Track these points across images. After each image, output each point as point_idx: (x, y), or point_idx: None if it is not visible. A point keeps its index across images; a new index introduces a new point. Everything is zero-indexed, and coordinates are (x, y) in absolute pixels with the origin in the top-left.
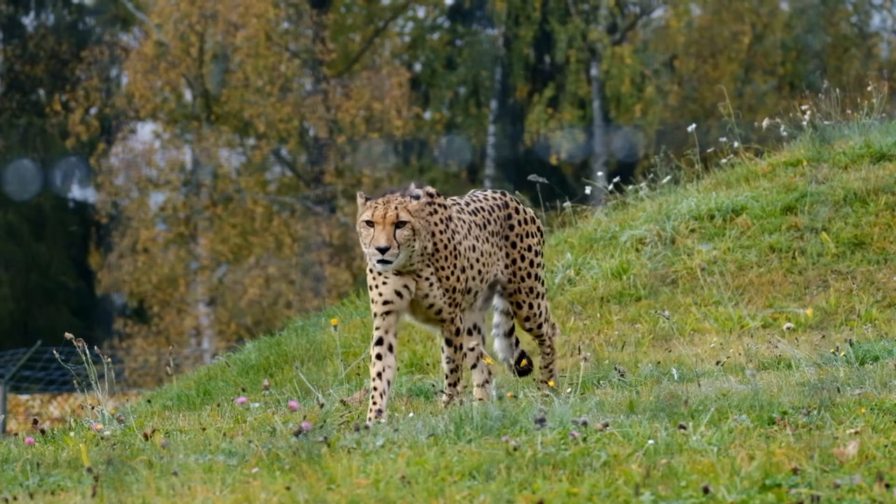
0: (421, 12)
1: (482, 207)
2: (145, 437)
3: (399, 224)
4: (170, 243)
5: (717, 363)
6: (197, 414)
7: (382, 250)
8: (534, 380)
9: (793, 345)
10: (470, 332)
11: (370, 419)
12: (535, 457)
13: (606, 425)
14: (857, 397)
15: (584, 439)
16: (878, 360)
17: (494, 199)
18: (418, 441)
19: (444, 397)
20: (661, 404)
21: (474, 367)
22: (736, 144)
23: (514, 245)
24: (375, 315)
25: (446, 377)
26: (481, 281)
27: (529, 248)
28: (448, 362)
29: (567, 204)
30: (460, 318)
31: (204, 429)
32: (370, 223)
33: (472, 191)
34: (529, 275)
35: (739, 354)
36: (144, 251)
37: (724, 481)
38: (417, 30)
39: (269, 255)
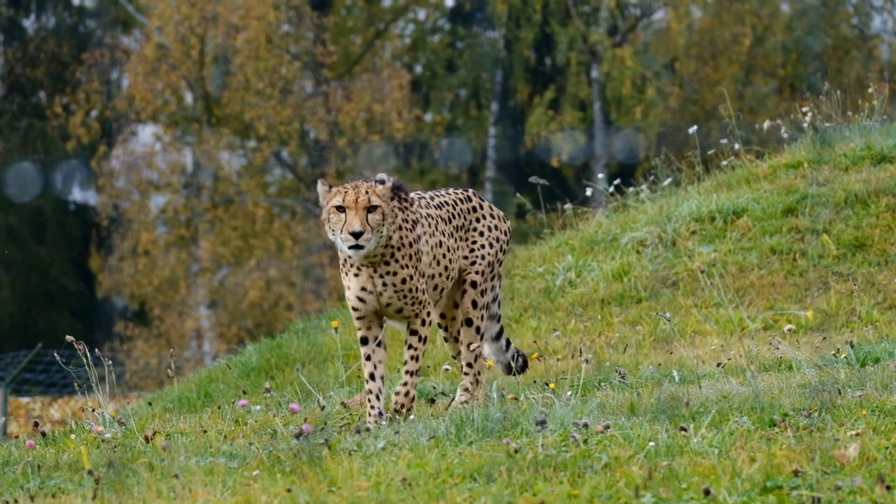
0: (421, 14)
1: (446, 202)
2: (146, 439)
3: (371, 208)
4: (170, 246)
5: (718, 365)
6: (198, 416)
7: (356, 235)
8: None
9: (794, 347)
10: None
11: (369, 423)
12: (535, 459)
13: (607, 427)
14: (857, 399)
15: (585, 441)
16: (879, 361)
17: (457, 193)
18: (419, 443)
19: (399, 386)
20: (662, 406)
21: (469, 365)
22: (737, 146)
23: (481, 234)
24: (354, 318)
25: (405, 364)
26: (447, 278)
27: (495, 241)
28: (409, 349)
29: (568, 206)
30: (427, 311)
31: (205, 431)
32: (341, 208)
33: (436, 189)
34: (490, 264)
35: (740, 356)
36: (145, 253)
37: (725, 483)
38: (418, 32)
39: (270, 257)
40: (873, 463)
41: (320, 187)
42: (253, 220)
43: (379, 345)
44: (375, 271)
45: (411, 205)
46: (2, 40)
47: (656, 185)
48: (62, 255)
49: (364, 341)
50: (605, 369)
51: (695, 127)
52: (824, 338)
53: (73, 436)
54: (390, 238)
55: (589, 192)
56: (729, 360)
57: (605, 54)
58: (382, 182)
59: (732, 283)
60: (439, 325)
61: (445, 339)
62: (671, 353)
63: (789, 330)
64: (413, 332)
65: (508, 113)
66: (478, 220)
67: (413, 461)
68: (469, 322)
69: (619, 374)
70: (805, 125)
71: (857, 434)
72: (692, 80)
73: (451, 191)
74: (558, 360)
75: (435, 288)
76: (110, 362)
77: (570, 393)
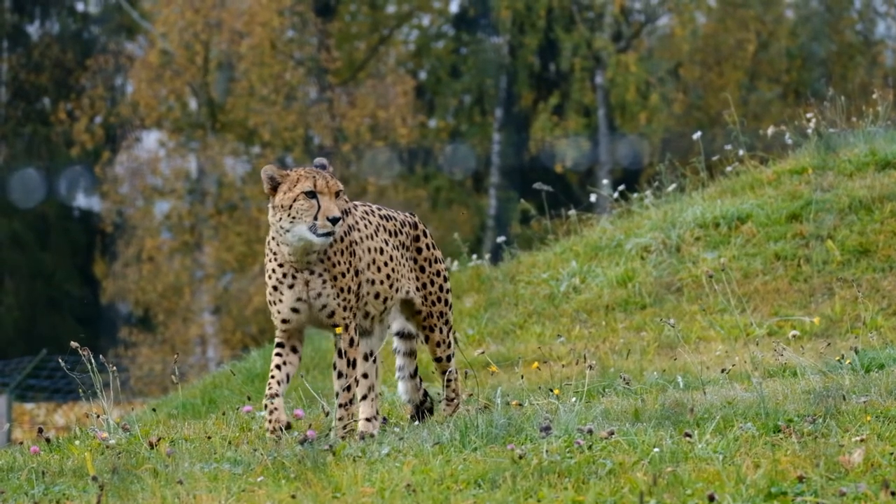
0: (426, 20)
1: (393, 216)
2: (150, 445)
3: (338, 194)
4: (175, 252)
5: (723, 371)
6: (202, 422)
7: (335, 220)
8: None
9: (798, 352)
10: (365, 359)
11: (268, 431)
12: (540, 465)
13: (612, 433)
14: (862, 405)
15: (590, 447)
16: (884, 367)
17: (404, 215)
18: (423, 449)
19: (335, 421)
20: (667, 412)
21: (364, 398)
22: (741, 152)
23: (422, 269)
24: (276, 325)
25: (336, 396)
26: (390, 286)
27: (438, 274)
28: (339, 377)
29: (572, 212)
30: (355, 329)
31: (209, 437)
32: (312, 194)
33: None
34: (440, 299)
35: (745, 362)
36: (149, 260)
37: (730, 489)
38: (422, 38)
39: None
40: (878, 469)
41: (272, 172)
42: (257, 226)
43: (295, 351)
44: (312, 272)
45: (346, 204)
46: (6, 46)
47: (660, 191)
48: (66, 261)
49: (280, 346)
50: (609, 375)
51: (699, 133)
52: (829, 344)
53: (77, 442)
54: (344, 233)
55: (593, 198)
56: (733, 366)
57: (609, 60)
58: (324, 167)
59: (737, 289)
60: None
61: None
62: (676, 359)
63: (794, 336)
64: (341, 354)
65: (512, 119)
66: (418, 252)
67: (417, 467)
68: (449, 358)
69: (624, 380)
70: (809, 131)
71: (862, 440)
72: (696, 86)
73: (399, 212)
74: (563, 366)
75: (377, 296)
76: (114, 368)
77: (574, 399)
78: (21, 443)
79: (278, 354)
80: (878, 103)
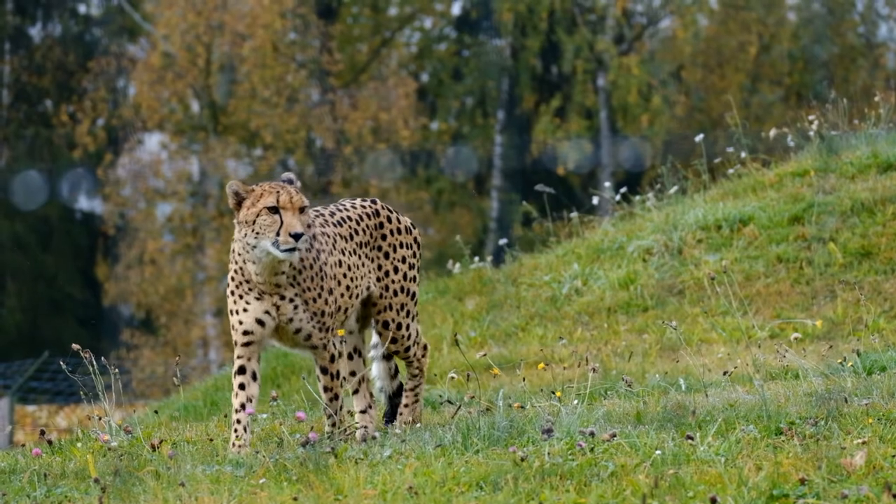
0: (428, 23)
1: (349, 217)
2: (152, 447)
3: (302, 209)
4: (177, 254)
5: (725, 373)
6: (204, 424)
7: (298, 236)
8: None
9: (800, 355)
10: (350, 357)
11: (233, 451)
12: (542, 467)
13: (614, 436)
14: (864, 408)
15: (592, 450)
16: (886, 370)
17: (363, 206)
18: (425, 452)
19: (327, 428)
20: (669, 415)
21: (356, 392)
22: (743, 155)
23: (386, 255)
24: (236, 343)
25: (325, 410)
26: (350, 296)
27: (403, 260)
28: (326, 391)
29: (574, 214)
30: (333, 343)
31: (211, 439)
32: (275, 209)
33: (340, 200)
34: (402, 289)
35: (747, 365)
36: (151, 262)
37: (732, 492)
38: (424, 40)
39: None
40: (880, 471)
41: (237, 187)
42: None
43: (255, 379)
44: (283, 297)
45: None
46: (8, 49)
47: (662, 194)
48: (68, 263)
49: (241, 370)
50: (611, 378)
51: (701, 135)
52: (831, 346)
53: (79, 444)
54: (308, 250)
55: (595, 200)
56: (735, 368)
57: (611, 62)
58: (291, 182)
59: (739, 291)
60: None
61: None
62: (677, 362)
63: (796, 338)
64: (324, 371)
65: (514, 121)
66: (383, 238)
67: (419, 469)
68: (407, 349)
69: (626, 382)
70: (811, 133)
71: (864, 442)
72: (698, 89)
73: (357, 203)
74: (564, 368)
75: (339, 309)
76: (116, 371)
77: (576, 401)
78: (23, 445)
79: (240, 377)
80: (880, 106)
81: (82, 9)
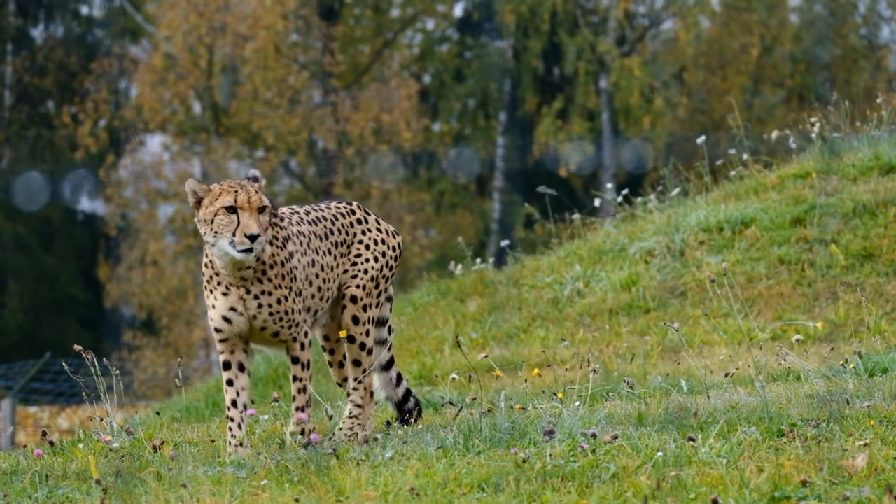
0: (430, 24)
1: (324, 216)
2: (154, 449)
3: (261, 209)
4: (178, 255)
5: (726, 375)
6: (206, 426)
7: (254, 237)
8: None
9: (802, 357)
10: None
11: (229, 453)
12: (544, 469)
13: (615, 437)
14: (866, 409)
15: (593, 451)
16: (888, 372)
17: (338, 207)
18: (427, 453)
19: (292, 426)
20: (671, 416)
21: (356, 389)
22: (745, 156)
23: (366, 247)
24: (215, 339)
25: (293, 400)
26: (321, 298)
27: (383, 255)
28: (294, 381)
29: (576, 216)
30: (305, 333)
31: (213, 441)
32: (232, 209)
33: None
34: (374, 279)
35: (748, 366)
36: (153, 263)
37: (733, 493)
38: (426, 42)
39: None
40: (881, 473)
41: (194, 185)
42: None
43: (242, 370)
44: (248, 292)
45: (281, 220)
46: (10, 50)
47: (664, 196)
48: (70, 264)
49: (227, 366)
50: (613, 379)
51: (703, 137)
52: (832, 348)
53: (81, 445)
54: (263, 251)
55: (597, 202)
56: (737, 370)
57: (613, 64)
58: (256, 179)
59: (741, 293)
60: (323, 349)
61: (330, 364)
62: (679, 364)
63: (797, 340)
64: (295, 360)
65: (516, 123)
66: (363, 233)
67: (421, 471)
68: (351, 339)
69: (628, 384)
70: (813, 135)
71: (866, 444)
72: (700, 91)
73: (332, 204)
74: (566, 370)
75: (308, 310)
76: (118, 372)
77: (578, 403)
78: (25, 446)
79: (227, 373)
80: (882, 107)
81: (84, 10)
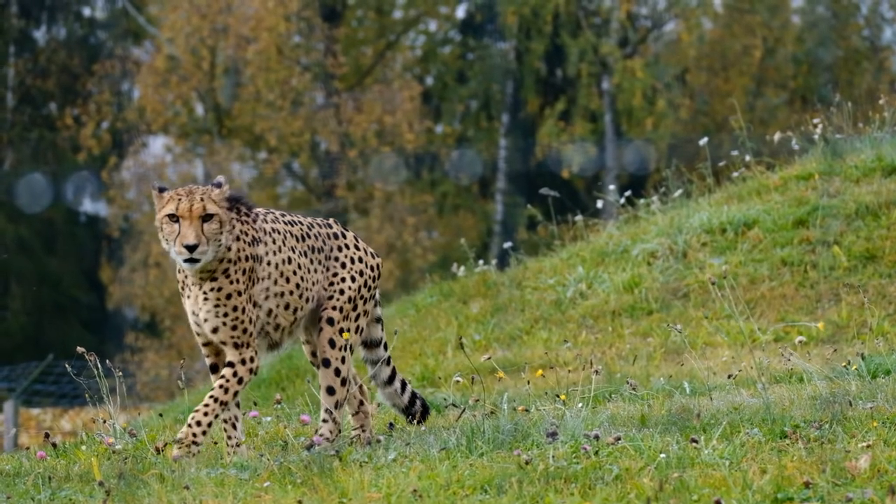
0: (432, 26)
1: (300, 221)
2: (157, 450)
3: (206, 217)
4: None
5: (729, 377)
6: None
7: (191, 248)
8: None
9: (805, 358)
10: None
11: (229, 451)
12: (546, 471)
13: (618, 439)
14: (868, 411)
15: (596, 453)
16: (890, 373)
17: (315, 219)
18: (430, 455)
19: (184, 429)
20: (673, 418)
21: (356, 414)
22: (747, 158)
23: (342, 265)
24: (199, 343)
25: (196, 410)
26: (300, 297)
27: (361, 274)
28: (220, 378)
29: (579, 218)
30: (251, 350)
31: (216, 442)
32: (174, 217)
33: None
34: (351, 300)
35: (751, 368)
36: (156, 265)
37: (736, 495)
38: (429, 43)
39: None
40: (884, 475)
41: (153, 191)
42: None
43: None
44: (200, 288)
45: (254, 220)
46: (13, 52)
47: (667, 197)
48: (73, 266)
49: (213, 369)
50: (615, 381)
51: (705, 138)
52: (835, 349)
53: (83, 447)
54: (228, 249)
55: (600, 203)
56: (740, 371)
57: (615, 66)
58: (219, 185)
59: (743, 294)
60: (312, 364)
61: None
62: (682, 365)
63: (800, 342)
64: (230, 364)
65: (519, 124)
66: (339, 250)
67: (424, 473)
68: (326, 363)
69: (630, 385)
70: (816, 137)
71: (868, 446)
72: (703, 92)
73: (308, 218)
74: (569, 371)
75: (287, 307)
76: (121, 373)
77: (580, 404)
78: (28, 448)
79: (214, 377)
80: (885, 109)
81: (87, 12)
